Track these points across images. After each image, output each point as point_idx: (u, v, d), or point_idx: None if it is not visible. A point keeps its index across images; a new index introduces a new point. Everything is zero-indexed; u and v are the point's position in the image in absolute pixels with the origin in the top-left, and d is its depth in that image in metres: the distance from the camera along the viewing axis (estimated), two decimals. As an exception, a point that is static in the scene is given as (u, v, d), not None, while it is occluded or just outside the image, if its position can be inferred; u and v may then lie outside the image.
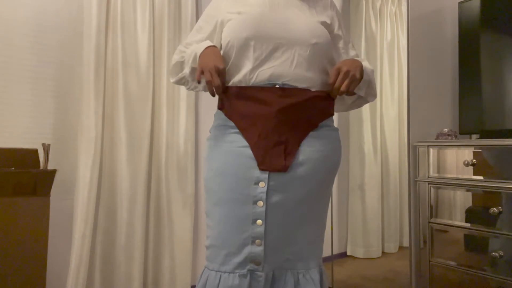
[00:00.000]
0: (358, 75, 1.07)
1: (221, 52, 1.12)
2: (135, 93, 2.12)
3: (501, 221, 1.66)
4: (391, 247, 2.68)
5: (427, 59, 2.21)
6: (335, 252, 2.65)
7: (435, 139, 2.01)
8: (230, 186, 1.05)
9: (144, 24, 2.15)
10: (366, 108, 2.65)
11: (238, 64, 1.09)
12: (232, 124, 1.09)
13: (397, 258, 2.63)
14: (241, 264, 1.02)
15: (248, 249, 1.02)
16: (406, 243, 2.46)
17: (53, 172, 1.72)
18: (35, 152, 1.73)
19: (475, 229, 1.75)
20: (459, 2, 2.09)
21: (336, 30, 1.21)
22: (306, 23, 1.10)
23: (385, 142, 2.68)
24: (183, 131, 2.29)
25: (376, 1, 2.65)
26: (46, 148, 1.78)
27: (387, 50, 2.62)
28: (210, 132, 1.17)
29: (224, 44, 1.12)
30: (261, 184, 1.03)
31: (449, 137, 1.96)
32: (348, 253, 2.76)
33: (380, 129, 2.67)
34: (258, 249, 1.02)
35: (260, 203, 1.02)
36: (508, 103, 1.87)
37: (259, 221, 1.02)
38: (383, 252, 2.69)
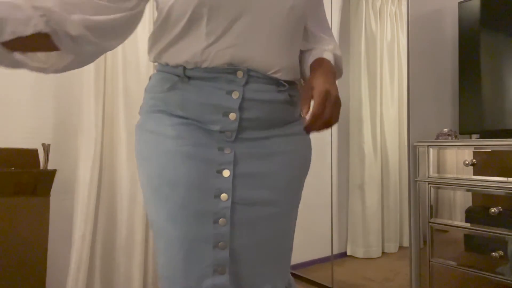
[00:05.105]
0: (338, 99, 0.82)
1: (158, 23, 0.83)
2: (135, 93, 2.12)
3: (501, 221, 1.66)
4: (391, 247, 2.68)
5: (427, 59, 2.21)
6: (335, 252, 2.64)
7: (435, 139, 2.01)
8: (181, 200, 0.78)
9: (144, 24, 2.15)
10: (366, 108, 2.65)
11: (184, 41, 0.81)
12: (175, 111, 0.82)
13: (397, 258, 2.63)
14: None
15: (210, 281, 0.78)
16: (406, 243, 2.46)
17: (53, 172, 1.72)
18: (35, 152, 1.73)
19: (475, 229, 1.75)
20: (459, 2, 2.09)
21: None
22: None
23: (385, 142, 2.68)
24: (183, 131, 2.29)
25: (376, 1, 2.65)
26: (46, 148, 1.78)
27: (387, 50, 2.62)
28: (140, 115, 0.90)
29: (163, 10, 0.81)
30: (223, 196, 0.79)
31: (449, 137, 1.96)
32: (348, 253, 2.76)
33: (380, 129, 2.67)
34: (222, 279, 0.79)
35: (223, 221, 0.79)
36: (508, 103, 1.87)
37: (221, 244, 0.79)
38: (383, 252, 2.69)
